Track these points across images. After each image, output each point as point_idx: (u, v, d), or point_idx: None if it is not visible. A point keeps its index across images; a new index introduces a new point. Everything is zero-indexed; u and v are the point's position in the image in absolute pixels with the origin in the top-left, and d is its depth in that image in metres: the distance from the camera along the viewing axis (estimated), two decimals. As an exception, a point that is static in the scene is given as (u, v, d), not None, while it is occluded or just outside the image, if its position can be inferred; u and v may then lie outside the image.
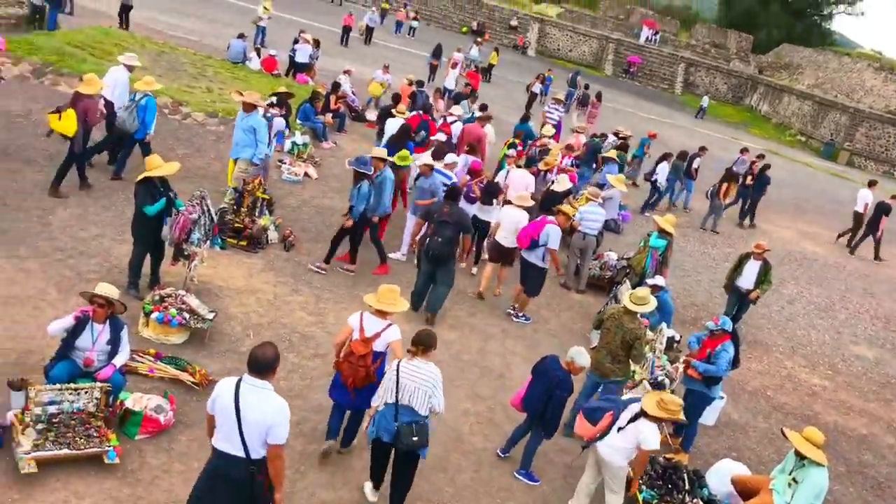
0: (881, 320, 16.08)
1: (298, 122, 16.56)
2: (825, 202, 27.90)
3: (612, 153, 17.77)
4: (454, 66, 26.88)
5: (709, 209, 19.73)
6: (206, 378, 7.75)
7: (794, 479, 7.36)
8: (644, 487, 7.49)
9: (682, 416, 7.26)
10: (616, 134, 20.56)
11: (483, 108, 18.64)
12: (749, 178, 20.93)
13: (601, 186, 15.37)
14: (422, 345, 6.42)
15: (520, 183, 13.40)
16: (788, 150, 40.37)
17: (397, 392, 6.29)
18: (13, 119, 12.73)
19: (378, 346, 6.83)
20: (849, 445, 10.32)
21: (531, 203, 12.10)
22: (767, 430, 10.15)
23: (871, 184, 21.78)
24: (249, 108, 11.81)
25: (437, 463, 7.62)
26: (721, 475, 8.11)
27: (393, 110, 15.87)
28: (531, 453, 7.75)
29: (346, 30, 32.82)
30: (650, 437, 6.79)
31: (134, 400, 6.89)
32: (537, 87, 29.29)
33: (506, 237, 11.50)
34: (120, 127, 11.88)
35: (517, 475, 7.75)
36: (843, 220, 25.06)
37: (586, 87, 30.55)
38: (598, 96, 28.36)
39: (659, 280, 11.48)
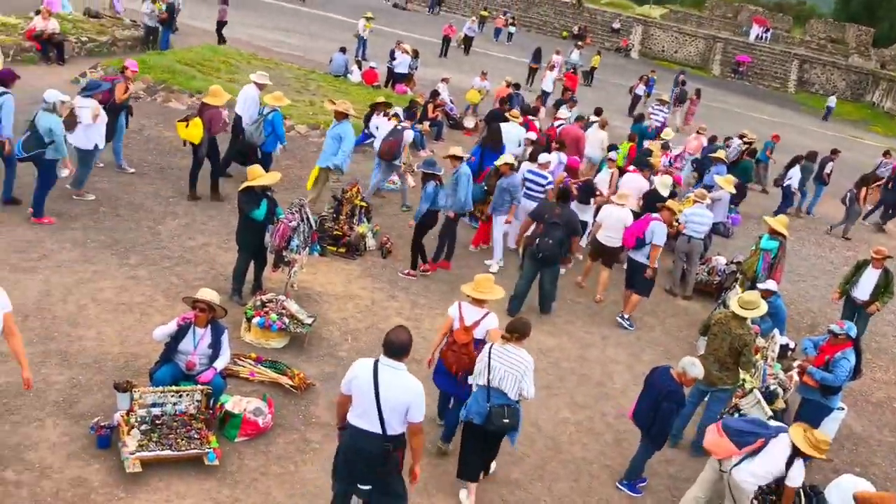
0: None
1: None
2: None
3: (721, 154, 17.07)
4: (552, 68, 26.72)
5: (845, 214, 18.67)
6: (305, 382, 7.83)
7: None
8: (755, 502, 7.05)
9: (821, 456, 6.76)
10: (741, 137, 19.84)
11: (598, 111, 18.58)
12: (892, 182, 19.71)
13: (709, 188, 14.78)
14: (516, 332, 6.54)
15: (632, 186, 13.18)
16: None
17: (489, 375, 6.47)
18: (127, 135, 13.34)
19: (478, 333, 7.05)
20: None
21: (632, 201, 11.85)
22: (894, 444, 9.43)
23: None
24: (340, 116, 12.04)
25: (534, 472, 7.44)
26: (842, 491, 7.52)
27: (507, 115, 15.85)
28: (638, 465, 7.43)
29: (446, 40, 33.06)
30: (798, 473, 6.50)
31: (234, 403, 7.02)
32: (640, 89, 28.60)
33: (609, 236, 11.38)
34: (248, 140, 12.31)
35: (620, 486, 7.47)
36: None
37: (683, 83, 29.73)
38: (697, 93, 27.61)
39: (771, 284, 10.93)
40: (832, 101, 43.70)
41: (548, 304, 10.82)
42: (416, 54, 23.73)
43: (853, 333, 8.10)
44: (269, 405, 7.21)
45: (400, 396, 5.33)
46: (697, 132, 19.72)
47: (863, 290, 11.12)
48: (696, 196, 13.03)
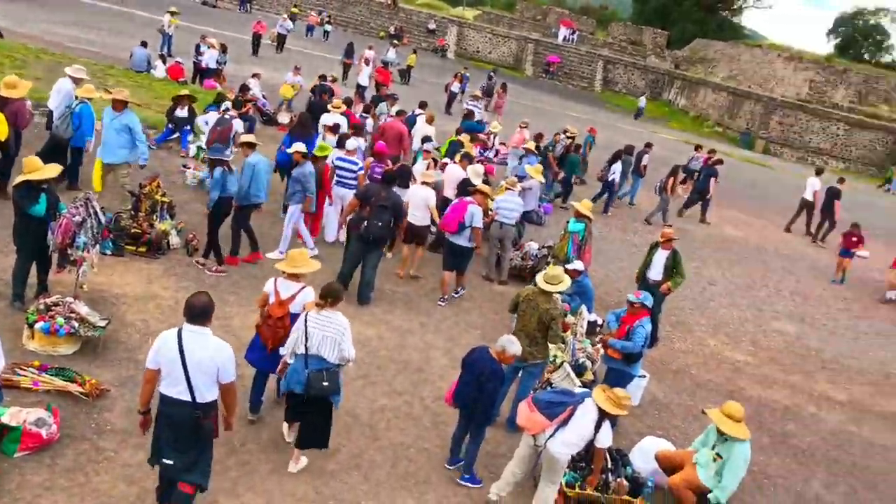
0: (800, 296, 16.32)
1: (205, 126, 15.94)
2: (746, 188, 28.38)
3: (531, 145, 17.67)
4: (366, 62, 26.79)
5: (658, 204, 19.75)
6: (97, 388, 7.20)
7: (718, 455, 7.24)
8: (567, 470, 7.25)
9: (624, 412, 6.98)
10: (565, 132, 20.42)
11: (423, 105, 18.93)
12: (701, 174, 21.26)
13: (521, 178, 15.21)
14: (330, 297, 6.67)
15: (455, 176, 13.43)
16: (707, 142, 41.13)
17: (306, 342, 6.57)
18: None
19: (294, 307, 7.09)
20: (772, 417, 10.31)
21: (434, 179, 12.27)
22: (692, 407, 10.05)
23: (819, 171, 22.48)
24: (120, 106, 11.33)
25: (351, 461, 7.25)
26: (645, 453, 7.94)
27: (329, 105, 15.73)
28: (472, 457, 7.37)
29: (257, 38, 31.96)
30: (606, 434, 6.70)
31: (11, 415, 6.32)
32: (455, 87, 29.19)
33: (415, 215, 11.67)
34: (55, 135, 11.52)
35: (460, 482, 7.32)
36: (763, 205, 25.63)
37: (489, 77, 31.10)
38: (503, 87, 28.85)
39: (579, 264, 11.38)
40: (643, 101, 46.69)
41: (367, 292, 10.74)
42: (224, 49, 22.84)
43: (648, 303, 8.51)
44: (54, 415, 6.56)
45: (208, 359, 5.32)
46: (520, 126, 20.47)
47: (655, 270, 11.63)
48: (507, 184, 13.36)
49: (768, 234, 21.71)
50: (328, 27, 43.61)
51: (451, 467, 7.49)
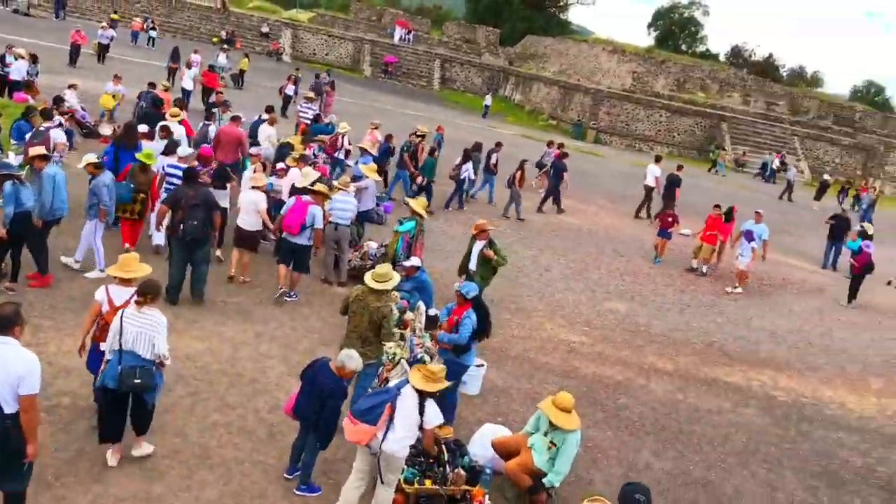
0: (630, 276, 17.18)
1: (12, 141, 14.80)
2: (578, 177, 29.49)
3: (367, 144, 17.63)
4: (188, 66, 25.94)
5: (510, 198, 20.22)
6: None
7: (552, 443, 7.44)
8: (405, 466, 7.23)
9: (444, 384, 6.94)
10: (415, 133, 20.55)
11: (268, 109, 18.67)
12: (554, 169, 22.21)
13: (357, 178, 15.12)
14: (149, 293, 6.79)
15: (294, 178, 13.28)
16: (543, 134, 42.61)
17: (120, 338, 6.63)
18: None
19: None
20: (606, 393, 10.77)
21: (263, 183, 12.21)
22: (531, 390, 10.34)
23: (658, 159, 24.02)
24: None
25: (180, 483, 6.92)
26: (483, 440, 8.07)
27: (167, 115, 15.44)
28: (309, 466, 7.18)
29: (75, 48, 29.88)
30: (432, 414, 6.66)
31: None
32: (290, 89, 28.73)
33: (245, 220, 11.72)
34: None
35: (297, 492, 7.12)
36: (595, 192, 26.76)
37: (317, 76, 31.34)
38: (332, 85, 29.36)
39: (414, 261, 11.42)
40: (488, 99, 47.62)
41: (200, 286, 10.70)
42: (34, 59, 21.32)
43: (469, 295, 8.59)
44: None
45: (11, 370, 5.19)
46: (372, 127, 20.65)
47: (474, 261, 11.98)
48: (340, 184, 13.25)
49: (599, 219, 22.74)
50: (153, 33, 41.71)
51: (290, 476, 7.30)
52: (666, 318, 14.76)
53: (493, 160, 21.09)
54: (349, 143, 18.99)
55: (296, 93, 28.99)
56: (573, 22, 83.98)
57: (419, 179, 18.95)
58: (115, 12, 44.62)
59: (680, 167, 23.86)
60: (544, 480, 7.33)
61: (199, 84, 25.69)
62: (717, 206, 18.60)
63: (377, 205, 16.96)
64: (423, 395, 6.65)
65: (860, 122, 53.93)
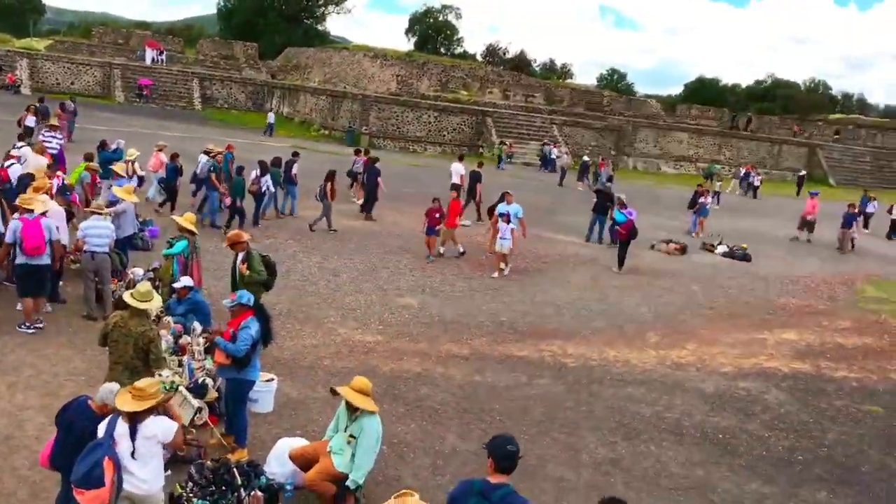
0: (418, 270, 17.19)
1: None
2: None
3: (120, 167, 16.28)
4: None
5: (322, 210, 19.94)
6: None
7: (351, 436, 7.06)
8: (195, 500, 6.54)
9: (156, 398, 5.97)
10: (207, 153, 19.78)
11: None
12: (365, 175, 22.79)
13: (112, 203, 13.85)
14: None
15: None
16: (316, 144, 42.09)
17: None
18: None
19: None
20: (406, 386, 10.56)
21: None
22: (328, 398, 9.78)
23: (461, 158, 26.08)
24: None
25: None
26: (280, 456, 7.53)
27: None
28: None
29: None
30: (165, 427, 5.86)
31: None
32: (31, 120, 26.04)
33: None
34: None
35: None
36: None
37: (41, 100, 30.26)
38: (62, 107, 28.38)
39: (185, 281, 10.68)
40: (271, 116, 45.48)
41: None
42: None
43: (247, 301, 7.92)
44: None
45: None
46: (157, 149, 20.13)
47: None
48: (94, 208, 12.07)
49: (381, 219, 22.63)
50: None
51: None
52: (457, 305, 14.87)
53: (293, 170, 21.18)
54: (140, 169, 18.18)
55: (37, 123, 26.35)
56: (332, 32, 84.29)
57: (228, 200, 18.26)
58: None
59: (480, 164, 25.67)
60: (348, 483, 6.92)
61: None
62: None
63: (141, 229, 15.72)
64: (134, 419, 5.77)
65: (609, 107, 58.57)
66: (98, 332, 7.63)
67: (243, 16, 68.73)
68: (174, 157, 19.60)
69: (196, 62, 56.35)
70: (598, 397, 11.04)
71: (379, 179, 22.49)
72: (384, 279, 16.16)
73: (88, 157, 17.47)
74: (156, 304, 7.60)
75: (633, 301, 16.64)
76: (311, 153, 33.73)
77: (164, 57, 54.25)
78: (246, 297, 7.89)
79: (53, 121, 22.51)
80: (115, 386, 6.25)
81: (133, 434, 5.68)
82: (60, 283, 12.28)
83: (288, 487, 7.04)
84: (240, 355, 7.64)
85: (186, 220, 12.04)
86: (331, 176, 20.33)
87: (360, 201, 23.09)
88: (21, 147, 17.22)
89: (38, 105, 28.11)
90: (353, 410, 7.14)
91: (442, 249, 18.75)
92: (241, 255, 10.68)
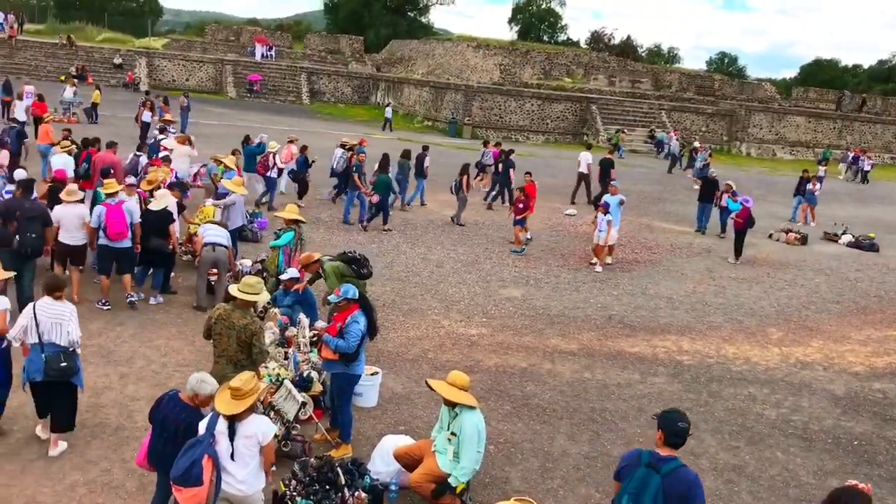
0: (522, 261, 16.77)
1: None
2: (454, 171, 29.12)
3: (230, 160, 16.54)
4: (20, 97, 24.91)
5: (459, 203, 19.91)
6: None
7: (452, 434, 6.76)
8: (298, 498, 6.39)
9: (253, 396, 5.73)
10: (343, 146, 20.55)
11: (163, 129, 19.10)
12: (499, 166, 22.94)
13: (223, 196, 14.07)
14: (56, 289, 7.26)
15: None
16: (420, 136, 42.11)
17: (38, 329, 7.04)
18: None
19: None
20: (511, 382, 10.19)
21: (78, 197, 11.40)
22: (433, 393, 9.59)
23: (589, 147, 25.90)
24: None
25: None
26: (384, 454, 7.31)
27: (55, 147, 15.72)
28: None
29: None
30: (265, 429, 5.67)
31: None
32: (147, 116, 27.04)
33: (71, 235, 11.12)
34: None
35: None
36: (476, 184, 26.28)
37: (147, 92, 31.86)
38: (165, 100, 29.75)
39: (292, 272, 10.65)
40: (389, 111, 45.08)
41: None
42: None
43: (352, 295, 7.70)
44: None
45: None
46: (288, 141, 20.81)
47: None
48: (213, 205, 12.40)
49: (482, 209, 22.30)
50: None
51: None
52: (562, 297, 14.39)
53: (425, 164, 21.43)
54: (282, 162, 19.30)
55: (152, 118, 27.37)
56: (435, 24, 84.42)
57: (375, 198, 18.29)
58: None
59: (611, 151, 25.98)
60: (449, 481, 6.62)
61: (30, 114, 24.20)
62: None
63: (250, 221, 15.95)
64: (234, 417, 5.61)
65: (720, 91, 56.20)
66: (203, 328, 7.58)
67: (349, 8, 69.63)
68: (304, 149, 20.24)
69: (304, 57, 57.46)
70: (718, 397, 10.36)
71: (511, 171, 22.54)
72: (487, 270, 15.82)
73: (234, 153, 17.83)
74: (263, 297, 7.51)
75: (752, 294, 15.70)
76: (415, 146, 33.61)
77: (272, 52, 55.57)
78: (352, 291, 7.68)
79: (168, 116, 23.19)
80: (203, 375, 6.13)
81: (232, 434, 5.54)
82: (172, 274, 12.54)
83: (392, 488, 6.80)
84: (350, 351, 7.45)
85: (291, 211, 12.06)
86: (465, 169, 20.38)
87: (486, 190, 23.36)
88: (163, 139, 19.03)
89: (149, 99, 29.35)
90: (452, 406, 6.83)
91: (529, 234, 18.23)
92: (308, 277, 10.57)
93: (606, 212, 16.63)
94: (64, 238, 11.03)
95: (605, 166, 23.69)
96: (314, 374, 8.66)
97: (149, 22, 64.82)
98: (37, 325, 7.00)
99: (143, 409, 8.35)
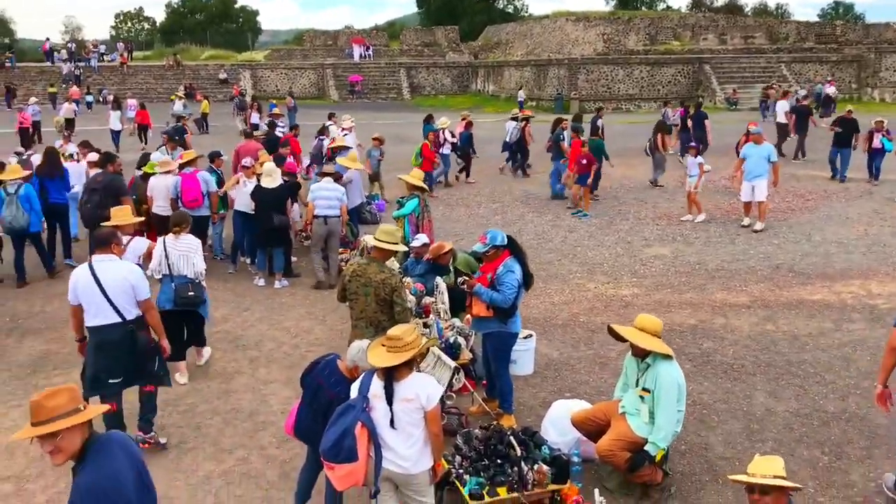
0: (663, 219, 15.26)
1: None
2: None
3: (341, 141, 15.79)
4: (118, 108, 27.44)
5: (654, 164, 18.95)
6: None
7: (644, 390, 5.53)
8: (466, 476, 5.31)
9: (415, 347, 4.59)
10: (515, 118, 20.73)
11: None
12: (688, 121, 21.71)
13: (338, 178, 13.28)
14: (182, 223, 7.82)
15: None
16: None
17: (168, 262, 7.51)
18: None
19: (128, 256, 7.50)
20: (684, 340, 8.81)
21: (173, 166, 11.60)
22: (595, 355, 8.42)
23: (785, 94, 25.72)
24: None
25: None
26: (557, 422, 6.13)
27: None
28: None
29: (25, 131, 27.37)
30: (430, 389, 4.53)
31: None
32: (255, 117, 27.03)
33: (160, 205, 11.16)
34: (11, 226, 10.76)
35: None
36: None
37: (242, 94, 32.85)
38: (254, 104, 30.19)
39: (422, 238, 9.69)
40: (521, 94, 43.96)
41: None
42: None
43: (500, 241, 6.50)
44: None
45: (123, 281, 5.91)
46: (462, 118, 21.13)
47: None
48: (325, 170, 11.72)
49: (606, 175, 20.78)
50: (89, 98, 41.20)
51: None
52: (717, 251, 12.83)
53: (599, 125, 20.77)
54: (452, 137, 19.35)
55: (260, 119, 27.29)
56: (529, 7, 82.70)
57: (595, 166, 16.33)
58: (52, 85, 43.39)
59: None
60: (647, 448, 5.39)
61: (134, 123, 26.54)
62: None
63: (368, 203, 15.13)
64: (389, 375, 4.52)
65: (843, 37, 52.10)
66: (336, 291, 6.62)
67: (441, 1, 68.96)
68: (468, 125, 20.45)
69: (401, 53, 57.11)
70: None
71: (707, 124, 21.28)
72: (626, 230, 14.41)
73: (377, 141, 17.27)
74: (402, 247, 6.51)
75: (939, 231, 13.65)
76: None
77: (370, 52, 55.46)
78: (500, 236, 6.53)
79: (277, 110, 23.00)
80: (364, 344, 5.15)
81: (389, 396, 4.49)
82: (294, 258, 11.86)
83: (575, 460, 5.61)
84: (508, 304, 6.31)
85: (414, 177, 11.11)
86: (660, 127, 19.26)
87: (670, 152, 20.97)
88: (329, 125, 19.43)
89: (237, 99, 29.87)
90: (641, 357, 5.59)
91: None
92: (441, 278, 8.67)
93: (697, 153, 14.87)
94: (155, 209, 11.17)
95: (804, 112, 22.41)
96: (461, 340, 7.60)
97: (249, 36, 66.24)
98: (167, 258, 7.47)
99: (277, 391, 7.59)
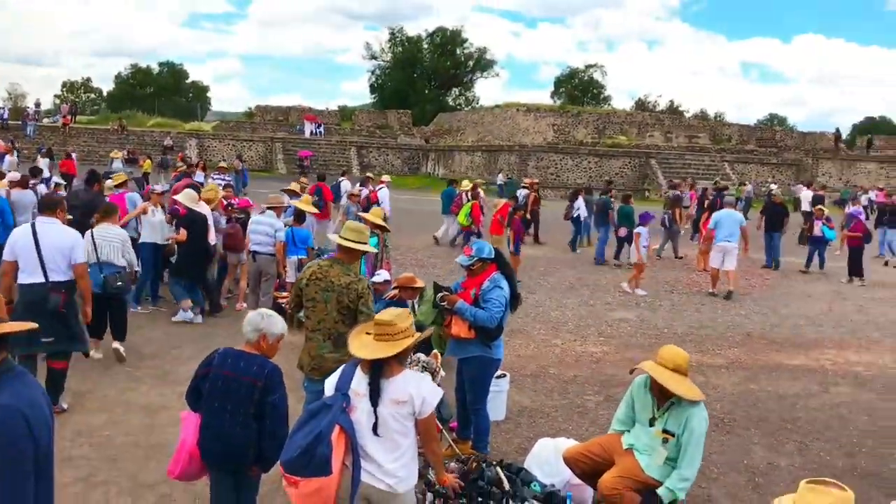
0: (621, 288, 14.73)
1: None
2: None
3: (296, 185, 15.05)
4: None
5: (665, 236, 19.07)
6: None
7: (667, 433, 4.70)
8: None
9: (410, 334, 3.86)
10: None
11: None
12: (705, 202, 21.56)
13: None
14: (107, 214, 8.13)
15: None
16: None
17: (96, 252, 7.67)
18: None
19: None
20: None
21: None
22: (570, 404, 7.60)
23: (809, 184, 28.43)
24: None
25: None
26: (544, 461, 5.24)
27: None
28: None
29: None
30: (427, 389, 3.72)
31: None
32: (200, 176, 26.10)
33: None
34: None
35: None
36: (544, 231, 24.56)
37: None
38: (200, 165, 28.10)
39: (383, 275, 8.95)
40: (500, 177, 43.06)
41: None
42: None
43: (487, 254, 5.76)
44: None
45: (61, 243, 6.19)
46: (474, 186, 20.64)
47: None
48: (271, 201, 10.81)
49: (551, 247, 20.41)
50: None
51: None
52: (684, 318, 12.27)
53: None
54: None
55: (204, 178, 26.44)
56: (481, 99, 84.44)
57: (622, 231, 16.82)
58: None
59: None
60: (660, 492, 4.55)
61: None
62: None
63: (319, 254, 14.25)
64: (380, 371, 3.71)
65: (782, 142, 54.17)
66: (291, 295, 5.71)
67: (393, 88, 69.86)
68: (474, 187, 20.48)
69: (353, 132, 57.14)
70: (929, 406, 8.09)
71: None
72: (587, 295, 13.81)
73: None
74: (371, 249, 5.67)
75: (900, 311, 13.39)
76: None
77: (321, 129, 55.26)
78: (487, 248, 5.76)
79: (222, 164, 22.21)
80: (263, 310, 4.32)
81: (375, 396, 3.60)
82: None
83: (569, 501, 4.72)
84: (493, 324, 5.51)
85: (374, 215, 10.42)
86: (676, 201, 20.16)
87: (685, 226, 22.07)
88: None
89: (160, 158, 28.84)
90: (663, 398, 4.78)
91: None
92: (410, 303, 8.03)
93: (645, 224, 14.29)
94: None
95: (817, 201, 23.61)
96: (426, 376, 6.70)
97: (198, 106, 65.72)
98: (95, 248, 7.69)
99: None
